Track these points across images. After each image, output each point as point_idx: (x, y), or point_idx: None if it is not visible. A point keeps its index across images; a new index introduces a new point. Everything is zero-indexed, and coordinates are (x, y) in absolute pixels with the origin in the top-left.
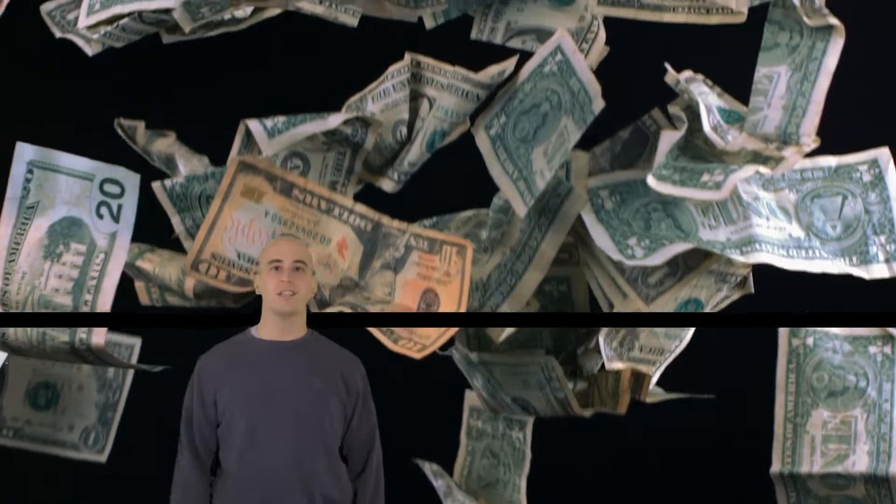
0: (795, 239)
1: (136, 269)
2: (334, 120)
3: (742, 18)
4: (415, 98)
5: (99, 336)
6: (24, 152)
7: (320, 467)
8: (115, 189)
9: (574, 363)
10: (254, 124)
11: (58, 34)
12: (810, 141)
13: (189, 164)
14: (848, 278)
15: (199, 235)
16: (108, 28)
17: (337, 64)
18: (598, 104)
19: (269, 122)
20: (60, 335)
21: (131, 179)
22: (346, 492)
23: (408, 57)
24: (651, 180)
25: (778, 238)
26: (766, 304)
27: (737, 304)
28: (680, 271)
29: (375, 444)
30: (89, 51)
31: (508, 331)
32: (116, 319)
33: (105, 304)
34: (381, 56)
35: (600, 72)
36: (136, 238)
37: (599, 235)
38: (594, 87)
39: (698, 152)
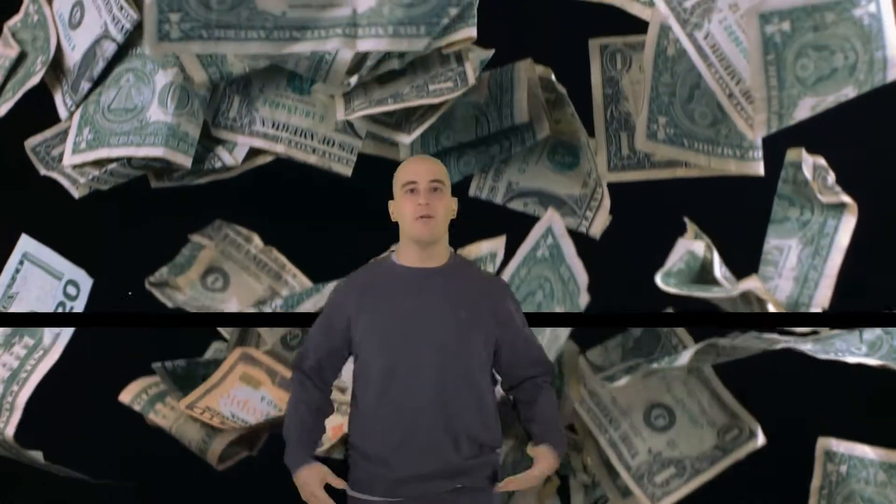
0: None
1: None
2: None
3: (760, 172)
4: None
5: (10, 427)
6: (24, 244)
7: (465, 405)
8: (73, 291)
9: None
10: None
11: (42, 171)
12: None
13: (239, 262)
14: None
15: (195, 392)
16: (96, 172)
17: (330, 212)
18: (584, 299)
19: (267, 308)
20: None
21: (86, 283)
22: (493, 430)
23: None
24: (659, 280)
25: (806, 347)
26: None
27: None
28: (687, 473)
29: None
30: (76, 193)
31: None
32: (116, 319)
33: (24, 396)
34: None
35: (605, 238)
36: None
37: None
38: (582, 278)
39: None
